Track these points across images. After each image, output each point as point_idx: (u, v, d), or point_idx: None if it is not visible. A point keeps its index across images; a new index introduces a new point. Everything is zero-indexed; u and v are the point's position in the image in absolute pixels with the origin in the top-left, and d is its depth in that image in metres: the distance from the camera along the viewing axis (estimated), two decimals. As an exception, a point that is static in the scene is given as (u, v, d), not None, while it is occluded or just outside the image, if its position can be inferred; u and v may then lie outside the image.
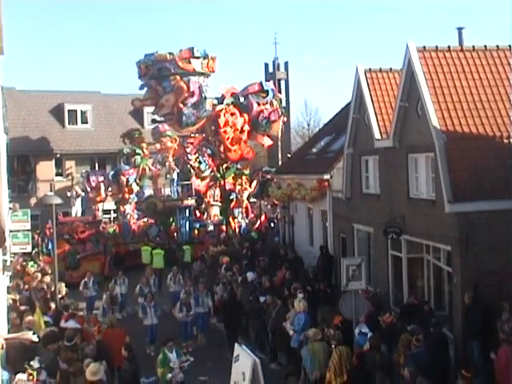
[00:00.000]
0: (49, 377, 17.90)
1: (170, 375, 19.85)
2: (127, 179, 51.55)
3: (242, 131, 48.25)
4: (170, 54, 46.94)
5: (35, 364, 18.40)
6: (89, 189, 52.19)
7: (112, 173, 52.72)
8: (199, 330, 28.71)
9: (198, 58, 47.18)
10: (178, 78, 46.73)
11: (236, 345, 15.50)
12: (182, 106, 46.73)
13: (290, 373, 19.06)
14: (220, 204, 52.59)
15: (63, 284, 30.70)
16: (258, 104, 49.35)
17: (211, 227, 51.28)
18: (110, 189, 52.24)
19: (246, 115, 48.25)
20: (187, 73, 46.98)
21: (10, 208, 30.36)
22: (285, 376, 18.68)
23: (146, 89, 49.10)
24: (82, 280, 32.96)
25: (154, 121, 52.63)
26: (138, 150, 52.82)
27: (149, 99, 49.09)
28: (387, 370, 18.53)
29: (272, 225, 51.25)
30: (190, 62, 46.92)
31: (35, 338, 7.64)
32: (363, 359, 18.99)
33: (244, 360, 14.44)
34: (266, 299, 26.19)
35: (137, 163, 52.44)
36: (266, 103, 49.79)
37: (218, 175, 50.98)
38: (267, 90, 50.39)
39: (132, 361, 20.16)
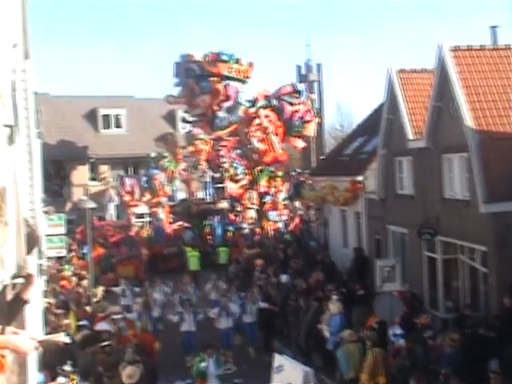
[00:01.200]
0: (82, 380, 17.97)
1: (203, 364, 19.48)
2: (160, 182, 51.83)
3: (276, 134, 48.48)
4: (205, 55, 47.16)
5: (67, 368, 18.53)
6: (123, 193, 52.44)
7: (145, 178, 52.95)
8: (249, 342, 27.49)
9: (225, 61, 47.16)
10: (216, 80, 46.88)
11: (276, 355, 15.34)
12: (216, 108, 46.89)
13: None
14: (257, 207, 52.47)
15: (101, 288, 30.82)
16: (292, 104, 49.38)
17: (246, 230, 51.17)
18: (144, 194, 52.54)
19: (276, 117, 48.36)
20: (214, 75, 47.04)
21: (45, 212, 30.56)
22: None
23: (179, 88, 49.28)
24: (119, 287, 32.01)
25: (184, 120, 52.75)
26: (165, 154, 53.16)
27: (183, 97, 49.19)
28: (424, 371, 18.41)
29: (307, 227, 51.10)
30: (216, 66, 46.98)
31: (68, 340, 7.71)
32: (408, 358, 18.91)
33: (291, 371, 14.24)
34: (300, 302, 26.12)
35: (164, 166, 52.74)
36: (300, 103, 49.83)
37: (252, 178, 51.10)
38: (300, 91, 50.42)
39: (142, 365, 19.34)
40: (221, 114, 47.30)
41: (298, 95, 49.92)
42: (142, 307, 27.87)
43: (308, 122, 50.45)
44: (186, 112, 51.58)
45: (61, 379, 17.51)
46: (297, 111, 49.41)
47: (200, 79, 47.52)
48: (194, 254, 40.71)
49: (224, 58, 46.91)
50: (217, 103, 47.29)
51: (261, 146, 47.96)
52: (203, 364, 19.44)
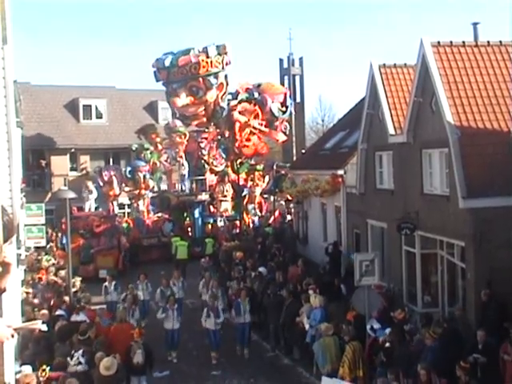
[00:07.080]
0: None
1: None
2: (144, 175, 51.80)
3: (255, 128, 48.20)
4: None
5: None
6: (101, 184, 52.29)
7: (129, 169, 52.75)
8: (243, 344, 25.81)
9: (162, 68, 46.36)
10: (221, 74, 46.71)
11: (324, 377, 15.06)
12: (221, 101, 46.77)
13: None
14: (230, 199, 52.40)
15: (79, 278, 30.58)
16: (277, 119, 49.19)
17: (221, 223, 50.89)
18: (124, 184, 52.44)
19: (260, 111, 48.08)
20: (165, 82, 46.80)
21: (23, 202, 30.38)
22: None
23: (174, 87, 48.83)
24: (103, 284, 30.39)
25: (174, 116, 52.38)
26: (147, 145, 53.00)
27: (188, 97, 48.23)
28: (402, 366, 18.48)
29: (286, 220, 51.18)
30: (160, 73, 46.62)
31: (44, 328, 7.69)
32: (388, 353, 18.92)
33: None
34: (283, 294, 26.03)
35: (147, 158, 52.61)
36: (283, 120, 49.87)
37: (230, 170, 50.96)
38: (287, 106, 50.19)
39: None
40: (224, 105, 47.25)
41: (285, 109, 49.64)
42: (128, 303, 26.23)
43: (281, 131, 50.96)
44: (181, 110, 50.95)
45: (26, 367, 17.25)
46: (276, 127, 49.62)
47: (208, 75, 47.10)
48: (183, 244, 40.76)
49: (159, 65, 46.15)
50: (221, 96, 47.20)
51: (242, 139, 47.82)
52: None
